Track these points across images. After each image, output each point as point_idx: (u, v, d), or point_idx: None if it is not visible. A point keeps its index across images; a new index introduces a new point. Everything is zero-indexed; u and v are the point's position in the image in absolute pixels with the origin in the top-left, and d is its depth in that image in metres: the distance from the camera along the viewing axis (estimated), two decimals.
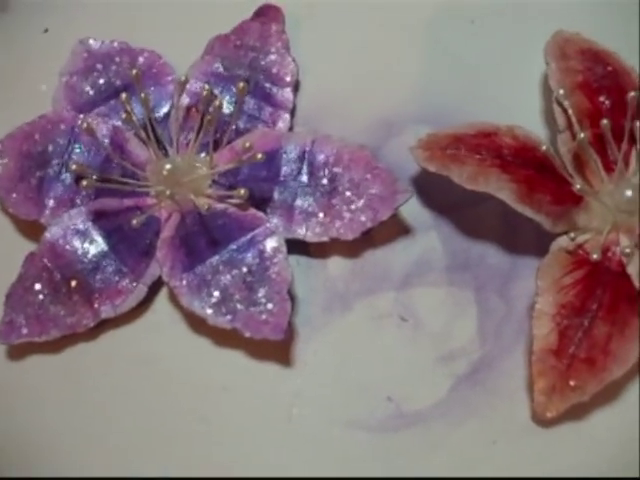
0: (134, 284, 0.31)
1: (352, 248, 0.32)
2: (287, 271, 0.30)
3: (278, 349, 0.31)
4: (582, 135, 0.32)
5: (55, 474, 0.30)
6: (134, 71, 0.32)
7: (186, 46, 0.34)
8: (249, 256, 0.30)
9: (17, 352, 0.31)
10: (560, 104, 0.33)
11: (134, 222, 0.30)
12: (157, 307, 0.32)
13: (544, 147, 0.32)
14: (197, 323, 0.31)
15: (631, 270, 0.31)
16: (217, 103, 0.31)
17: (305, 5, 0.35)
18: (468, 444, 0.30)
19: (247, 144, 0.30)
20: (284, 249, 0.30)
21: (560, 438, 0.30)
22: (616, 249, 0.32)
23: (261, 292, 0.30)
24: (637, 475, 0.29)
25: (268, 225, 0.31)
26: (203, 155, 0.33)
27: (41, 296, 0.31)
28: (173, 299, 0.31)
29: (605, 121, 0.32)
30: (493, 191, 0.31)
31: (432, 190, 0.33)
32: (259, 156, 0.30)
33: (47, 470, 0.30)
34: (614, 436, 0.30)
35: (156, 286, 0.32)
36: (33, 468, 0.30)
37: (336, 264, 0.32)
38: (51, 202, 0.32)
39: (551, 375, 0.30)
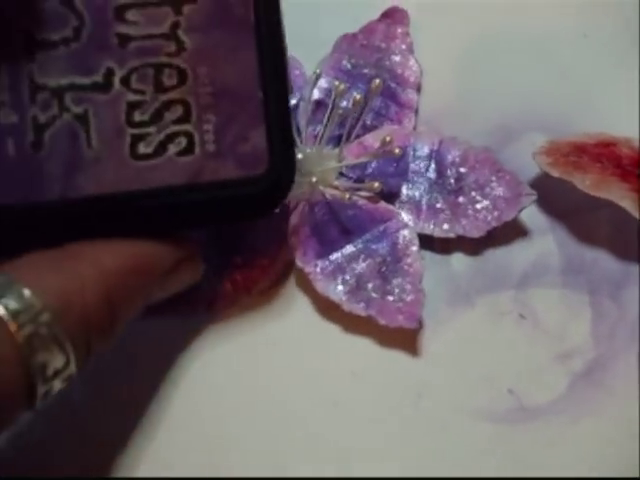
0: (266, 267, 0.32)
1: (474, 246, 0.33)
2: (420, 263, 0.31)
3: (405, 339, 0.32)
4: None
5: (169, 455, 0.30)
6: None
7: (309, 43, 0.35)
8: (382, 247, 0.31)
9: None
10: None
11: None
12: (286, 292, 0.32)
13: None
14: (325, 309, 0.32)
15: None
16: (358, 98, 0.32)
17: (428, 8, 0.36)
18: (583, 442, 0.31)
19: (388, 138, 0.31)
20: (417, 241, 0.31)
21: None
22: None
23: (395, 282, 0.31)
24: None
25: (400, 218, 0.32)
26: (330, 147, 0.34)
27: None
28: (301, 283, 0.32)
29: None
30: (614, 199, 0.32)
31: (548, 196, 0.34)
32: (397, 151, 0.31)
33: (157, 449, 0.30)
34: None
35: (285, 272, 0.32)
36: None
37: (459, 261, 0.33)
38: None
39: None
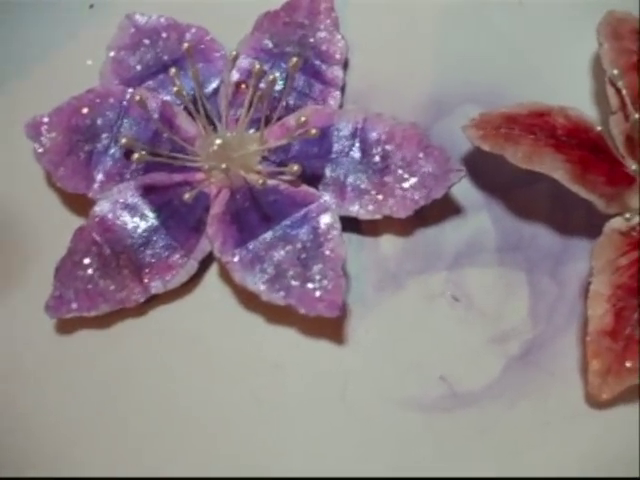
0: (184, 259, 0.31)
1: (404, 227, 0.32)
2: (342, 248, 0.30)
3: (330, 327, 0.30)
4: (637, 116, 0.31)
5: (98, 453, 0.29)
6: (186, 45, 0.31)
7: (233, 23, 0.34)
8: (303, 232, 0.30)
9: (66, 327, 0.31)
10: (613, 85, 0.33)
11: (187, 196, 0.30)
12: (207, 283, 0.31)
13: (599, 128, 0.31)
14: (248, 300, 0.30)
15: None
16: (271, 78, 0.30)
17: None
18: (521, 426, 0.30)
19: (302, 119, 0.30)
20: (338, 225, 0.30)
21: (615, 421, 0.30)
22: None
23: (315, 269, 0.30)
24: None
25: (322, 201, 0.30)
26: (252, 131, 0.32)
27: (90, 271, 0.30)
28: (224, 275, 0.31)
29: None
30: (548, 171, 0.31)
31: (483, 170, 0.33)
32: (313, 131, 0.30)
33: (94, 449, 0.29)
34: None
35: (206, 262, 0.31)
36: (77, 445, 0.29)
37: (388, 243, 0.32)
38: (100, 176, 0.31)
39: (606, 356, 0.30)
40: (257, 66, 0.31)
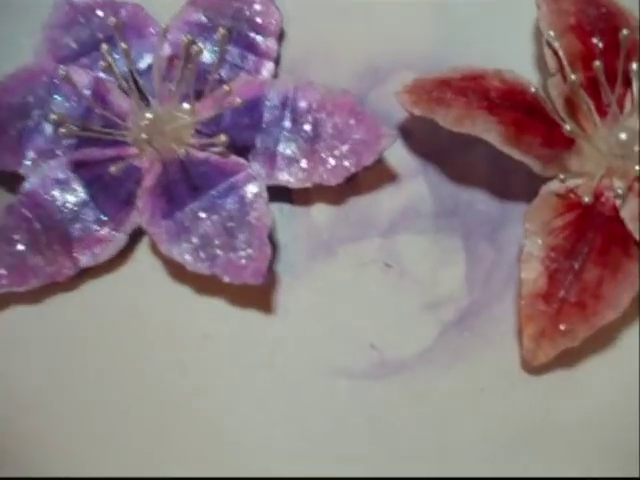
0: (114, 233, 0.31)
1: (336, 195, 0.31)
2: (268, 216, 0.29)
3: (260, 296, 0.30)
4: (573, 77, 0.31)
5: (35, 427, 0.29)
6: (114, 20, 0.31)
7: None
8: (229, 201, 0.30)
9: None
10: (551, 46, 0.32)
11: (113, 169, 0.29)
12: (138, 257, 0.31)
13: (533, 89, 0.31)
14: (178, 272, 0.30)
15: (625, 214, 0.30)
16: (196, 49, 0.30)
17: None
18: (454, 392, 0.29)
19: (226, 88, 0.30)
20: (265, 194, 0.30)
21: (551, 386, 0.29)
22: (609, 194, 0.31)
23: (241, 237, 0.29)
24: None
25: (249, 171, 0.30)
26: (185, 105, 0.32)
27: (20, 246, 0.30)
28: (154, 248, 0.31)
29: (598, 63, 0.31)
30: (480, 133, 0.30)
31: (419, 137, 0.32)
32: (238, 100, 0.30)
33: (27, 424, 0.29)
34: (607, 384, 0.29)
35: (137, 236, 0.31)
36: (13, 421, 0.29)
37: (320, 211, 0.31)
38: (31, 153, 0.31)
39: (540, 320, 0.29)
40: (185, 38, 0.31)
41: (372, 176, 0.31)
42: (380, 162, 0.31)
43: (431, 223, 0.31)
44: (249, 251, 0.29)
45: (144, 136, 0.29)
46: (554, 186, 0.31)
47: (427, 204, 0.31)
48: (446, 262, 0.31)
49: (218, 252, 0.29)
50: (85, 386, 0.30)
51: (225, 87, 0.30)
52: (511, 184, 0.32)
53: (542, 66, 0.34)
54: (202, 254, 0.29)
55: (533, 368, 0.29)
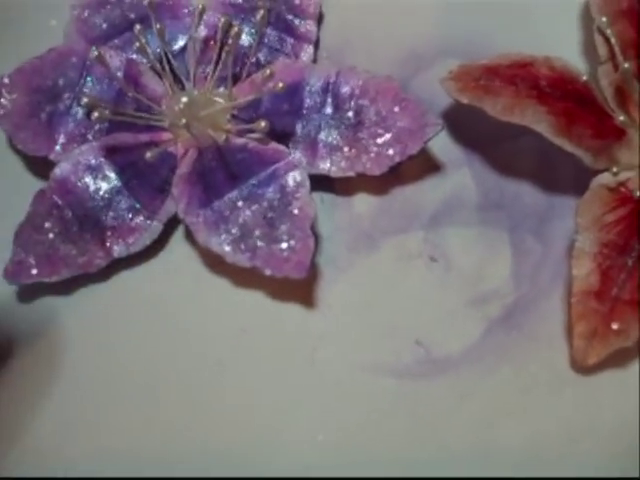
0: (148, 221, 0.29)
1: (379, 185, 0.30)
2: (310, 206, 0.28)
3: (300, 290, 0.29)
4: (626, 65, 0.29)
5: (57, 419, 0.28)
6: (147, 0, 0.30)
7: None
8: (270, 191, 0.29)
9: (27, 293, 0.29)
10: (602, 33, 0.31)
11: (148, 155, 0.28)
12: (173, 246, 0.30)
13: (584, 77, 0.30)
14: (215, 263, 0.29)
15: None
16: (235, 31, 0.29)
17: None
18: (501, 392, 0.28)
19: (268, 72, 0.28)
20: (307, 183, 0.29)
21: (601, 387, 0.28)
22: None
23: (283, 228, 0.28)
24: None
25: (290, 159, 0.29)
26: (222, 89, 0.31)
27: (51, 235, 0.29)
28: (189, 238, 0.30)
29: None
30: (530, 123, 0.29)
31: (464, 126, 0.31)
32: (280, 85, 0.29)
33: (59, 417, 0.28)
34: None
35: (172, 225, 0.30)
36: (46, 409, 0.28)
37: (362, 202, 0.30)
38: (61, 137, 0.30)
39: (592, 318, 0.28)
40: (223, 19, 0.30)
41: (415, 166, 0.30)
42: (423, 151, 0.30)
43: (476, 215, 0.30)
44: (291, 243, 0.28)
45: (183, 121, 0.28)
46: (605, 179, 0.30)
47: (472, 196, 0.30)
48: (492, 256, 0.30)
49: (259, 243, 0.28)
50: (116, 381, 0.29)
51: (267, 70, 0.28)
52: (558, 176, 0.31)
53: (589, 54, 0.32)
54: (242, 245, 0.28)
55: (583, 368, 0.28)
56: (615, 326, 0.28)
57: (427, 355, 0.28)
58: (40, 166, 0.30)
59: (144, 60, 0.31)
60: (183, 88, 0.31)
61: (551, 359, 0.28)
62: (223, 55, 0.30)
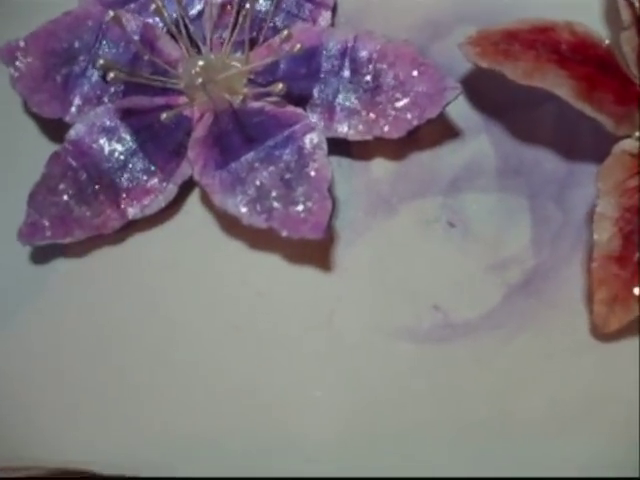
0: (163, 184, 0.29)
1: (397, 150, 0.30)
2: (327, 168, 0.28)
3: (317, 253, 0.29)
4: None
5: (73, 380, 0.28)
6: None
7: None
8: (287, 152, 0.28)
9: (41, 255, 0.29)
10: None
11: (164, 116, 0.28)
12: (188, 209, 0.30)
13: (607, 42, 0.29)
14: (231, 225, 0.29)
15: None
16: None
17: None
18: (521, 358, 0.28)
19: (286, 33, 0.28)
20: (324, 146, 0.28)
21: (622, 353, 0.28)
22: None
23: (300, 190, 0.28)
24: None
25: (307, 121, 0.29)
26: (238, 54, 0.30)
27: (65, 196, 0.29)
28: (205, 200, 0.29)
29: None
30: (550, 87, 0.29)
31: (482, 92, 0.31)
32: (298, 47, 0.28)
33: (75, 377, 0.28)
34: None
35: (187, 187, 0.29)
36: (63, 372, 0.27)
37: (380, 166, 0.30)
38: (77, 99, 0.30)
39: (613, 284, 0.28)
40: None
41: (433, 131, 0.30)
42: (441, 116, 0.29)
43: (495, 182, 0.30)
44: (308, 204, 0.28)
45: (199, 80, 0.28)
46: (627, 145, 0.29)
47: (490, 162, 0.30)
48: (511, 222, 0.29)
49: (275, 205, 0.28)
50: (129, 344, 0.28)
51: (285, 32, 0.28)
52: (578, 142, 0.30)
53: (611, 19, 0.32)
54: (258, 207, 0.28)
55: (604, 334, 0.28)
56: (637, 291, 0.27)
57: (445, 320, 0.28)
58: (55, 129, 0.30)
59: (160, 24, 0.31)
60: (199, 53, 0.31)
61: (571, 325, 0.28)
62: (240, 20, 0.30)
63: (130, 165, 0.29)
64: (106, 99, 0.30)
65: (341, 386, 0.27)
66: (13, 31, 0.30)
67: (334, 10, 0.32)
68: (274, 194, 0.28)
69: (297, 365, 0.28)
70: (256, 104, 0.29)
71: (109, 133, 0.29)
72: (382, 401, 0.27)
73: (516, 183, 0.30)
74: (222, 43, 0.31)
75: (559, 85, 0.29)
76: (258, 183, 0.28)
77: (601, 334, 0.28)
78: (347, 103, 0.29)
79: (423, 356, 0.28)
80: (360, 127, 0.29)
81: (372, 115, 0.29)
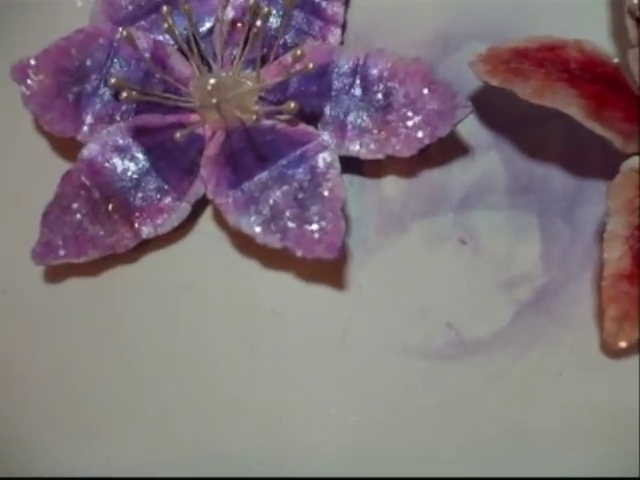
0: (177, 202, 0.29)
1: (408, 168, 0.30)
2: (341, 188, 0.28)
3: (330, 272, 0.29)
4: None
5: (90, 401, 0.28)
6: None
7: None
8: (300, 172, 0.28)
9: (54, 274, 0.29)
10: (633, 15, 0.31)
11: (178, 135, 0.28)
12: (201, 228, 0.30)
13: (615, 60, 0.29)
14: (244, 244, 0.29)
15: None
16: (265, 11, 0.29)
17: None
18: (531, 376, 0.28)
19: (298, 52, 0.28)
20: (337, 165, 0.28)
21: (632, 370, 0.28)
22: None
23: (313, 209, 0.28)
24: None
25: (320, 140, 0.29)
26: (249, 71, 0.31)
27: (79, 215, 0.29)
28: (218, 219, 0.29)
29: None
30: (560, 106, 0.29)
31: (492, 109, 0.31)
32: (310, 66, 0.28)
33: (88, 395, 0.28)
34: None
35: (200, 206, 0.30)
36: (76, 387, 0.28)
37: (391, 184, 0.30)
38: (89, 118, 0.30)
39: (623, 301, 0.28)
40: (251, 1, 0.30)
41: (444, 149, 0.30)
42: (452, 134, 0.29)
43: (505, 199, 0.30)
44: (322, 224, 0.28)
45: (214, 100, 0.28)
46: (635, 163, 0.29)
47: (500, 179, 0.30)
48: (521, 240, 0.30)
49: (289, 224, 0.28)
50: (144, 363, 0.28)
51: (297, 50, 0.28)
52: (586, 160, 0.31)
53: (619, 37, 0.32)
54: (273, 226, 0.28)
55: (614, 352, 0.28)
56: None
57: (457, 337, 0.28)
58: (67, 147, 0.30)
59: (171, 42, 0.31)
60: (210, 70, 0.31)
61: (582, 343, 0.28)
62: (251, 37, 0.30)
63: (143, 184, 0.29)
64: (118, 117, 0.30)
65: (355, 403, 0.28)
66: (24, 49, 0.30)
67: (343, 27, 0.32)
68: (288, 214, 0.28)
69: (312, 382, 0.28)
70: (268, 122, 0.29)
71: (122, 152, 0.29)
72: (395, 418, 0.28)
73: (526, 200, 0.30)
74: (233, 60, 0.31)
75: (569, 104, 0.29)
76: (272, 202, 0.28)
77: (611, 351, 0.28)
78: (358, 121, 0.30)
79: (435, 373, 0.28)
80: (372, 146, 0.29)
81: (383, 133, 0.29)
